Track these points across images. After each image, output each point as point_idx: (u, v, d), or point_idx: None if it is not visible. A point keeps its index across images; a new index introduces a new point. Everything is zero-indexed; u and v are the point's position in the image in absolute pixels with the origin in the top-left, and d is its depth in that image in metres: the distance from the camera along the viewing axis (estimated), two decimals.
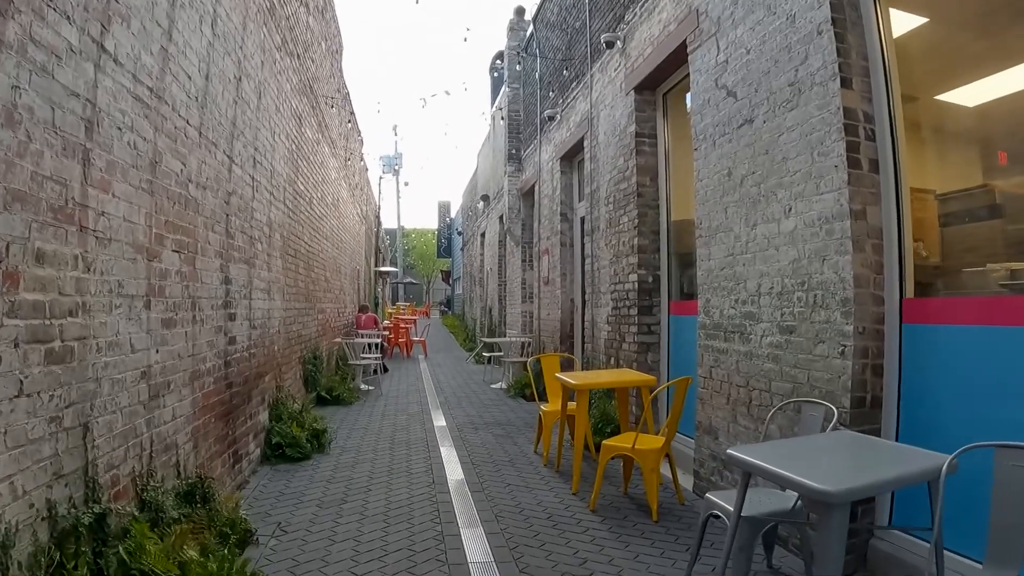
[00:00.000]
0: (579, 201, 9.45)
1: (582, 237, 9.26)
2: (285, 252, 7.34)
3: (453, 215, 34.55)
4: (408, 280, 46.27)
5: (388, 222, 63.49)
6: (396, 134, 58.38)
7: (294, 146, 7.84)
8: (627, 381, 5.65)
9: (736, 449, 2.82)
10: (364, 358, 11.40)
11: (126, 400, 3.25)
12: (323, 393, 9.29)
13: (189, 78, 4.13)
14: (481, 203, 18.22)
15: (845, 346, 3.52)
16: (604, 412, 6.51)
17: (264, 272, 6.27)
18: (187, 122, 4.12)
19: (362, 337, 12.45)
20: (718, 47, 4.90)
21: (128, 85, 3.25)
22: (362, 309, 13.84)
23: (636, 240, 6.62)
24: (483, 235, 18.64)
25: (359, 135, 15.98)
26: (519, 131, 12.78)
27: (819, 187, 3.74)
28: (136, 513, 3.19)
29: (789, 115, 4.03)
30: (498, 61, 18.90)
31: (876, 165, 3.59)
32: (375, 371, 11.37)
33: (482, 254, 19.01)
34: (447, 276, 40.89)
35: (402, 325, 17.87)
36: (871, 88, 3.65)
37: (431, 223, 51.27)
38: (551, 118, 9.87)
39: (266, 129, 6.33)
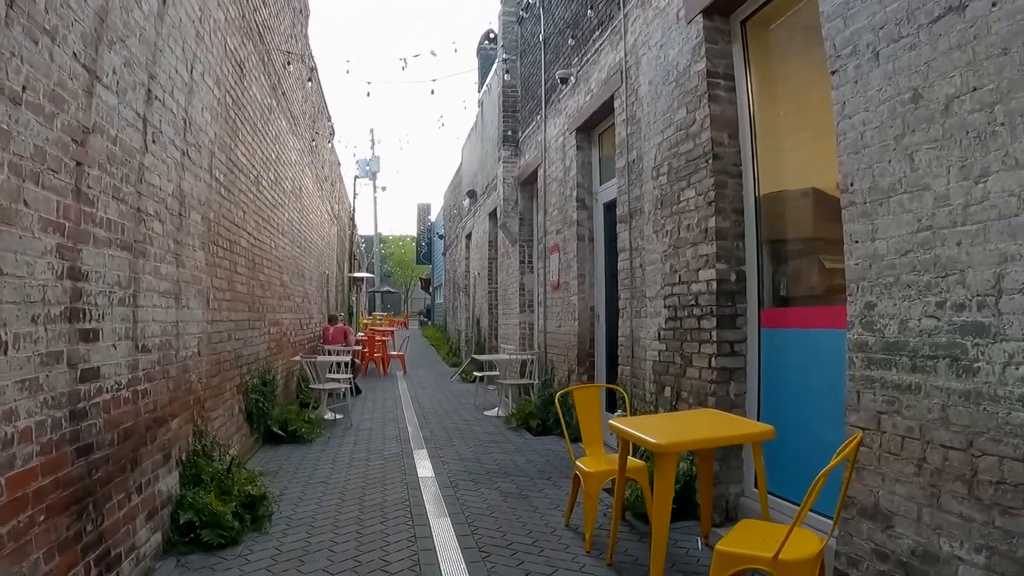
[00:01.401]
0: (601, 183, 7.51)
1: (610, 227, 7.31)
2: (212, 242, 5.28)
3: (434, 218, 32.46)
4: (385, 289, 43.96)
5: (364, 228, 61.07)
6: (372, 136, 56.35)
7: (231, 101, 5.80)
8: (740, 435, 3.67)
9: None
10: (330, 379, 9.33)
11: None
12: (275, 429, 7.21)
13: None
14: (467, 200, 16.24)
15: None
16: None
17: (167, 267, 4.21)
18: None
19: (328, 354, 10.36)
20: None
21: None
22: (331, 320, 11.76)
23: (712, 221, 4.68)
24: (469, 236, 16.65)
25: (329, 120, 13.93)
26: (516, 109, 10.83)
27: None
28: None
29: None
30: (487, 42, 16.99)
31: None
32: (345, 394, 9.29)
33: (467, 258, 17.00)
34: (427, 284, 38.67)
35: (378, 338, 15.78)
36: None
37: (410, 230, 49.10)
38: (564, 80, 7.92)
39: (175, 55, 4.29)
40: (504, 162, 10.61)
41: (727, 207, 4.73)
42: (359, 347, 12.48)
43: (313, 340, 11.60)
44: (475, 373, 10.61)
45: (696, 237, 4.88)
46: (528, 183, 10.33)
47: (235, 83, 5.95)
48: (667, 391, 5.27)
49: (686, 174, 5.06)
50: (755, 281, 4.70)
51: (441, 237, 24.69)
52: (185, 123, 4.58)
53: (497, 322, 12.96)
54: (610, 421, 3.73)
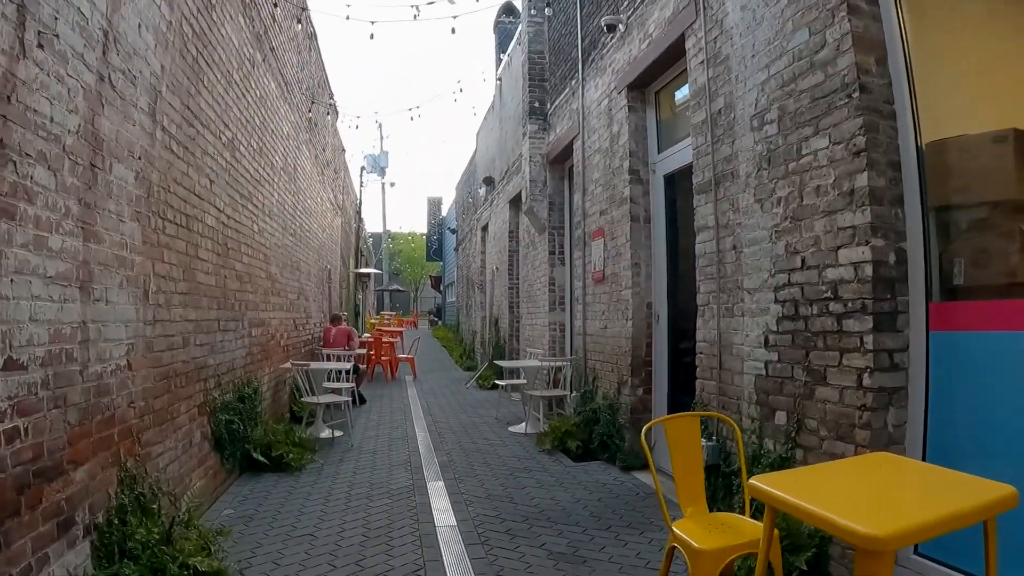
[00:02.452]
0: (660, 151, 6.07)
1: (671, 204, 5.88)
2: (156, 213, 3.88)
3: (445, 212, 31.03)
4: (394, 287, 42.59)
5: (372, 225, 59.86)
6: (381, 130, 55.17)
7: (192, 33, 4.39)
8: (978, 506, 2.20)
9: None
10: (329, 389, 7.93)
11: None
12: (257, 455, 5.81)
13: None
14: (482, 189, 14.81)
15: None
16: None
17: (65, 240, 2.80)
18: None
19: (327, 359, 8.95)
20: None
21: None
22: (333, 320, 10.35)
23: (862, 179, 3.25)
24: (485, 228, 15.21)
25: (332, 99, 12.53)
26: (543, 78, 9.39)
27: None
28: None
29: None
30: (504, 16, 15.58)
31: None
32: (346, 406, 7.88)
33: (483, 252, 15.57)
34: (437, 282, 37.23)
35: (385, 339, 14.37)
36: None
37: (420, 227, 47.75)
38: (611, 28, 6.48)
39: None
40: (530, 138, 9.16)
41: (880, 159, 3.28)
42: (364, 350, 11.08)
43: (311, 343, 10.21)
44: (497, 381, 9.16)
45: (833, 203, 3.43)
46: (559, 161, 8.88)
47: (199, 10, 4.54)
48: (780, 418, 3.83)
49: (811, 118, 3.61)
50: (921, 264, 3.26)
51: (453, 231, 23.25)
52: (106, 36, 3.17)
53: (519, 322, 11.52)
54: (751, 482, 2.30)
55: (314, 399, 7.22)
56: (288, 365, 7.55)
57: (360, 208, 23.72)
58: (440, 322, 33.91)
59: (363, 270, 18.10)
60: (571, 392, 7.47)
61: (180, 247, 4.28)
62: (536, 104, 9.30)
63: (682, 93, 5.94)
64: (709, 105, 4.69)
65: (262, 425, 6.20)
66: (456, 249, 23.08)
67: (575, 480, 5.70)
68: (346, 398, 7.79)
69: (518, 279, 11.64)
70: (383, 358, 13.54)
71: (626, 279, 6.12)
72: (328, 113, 11.60)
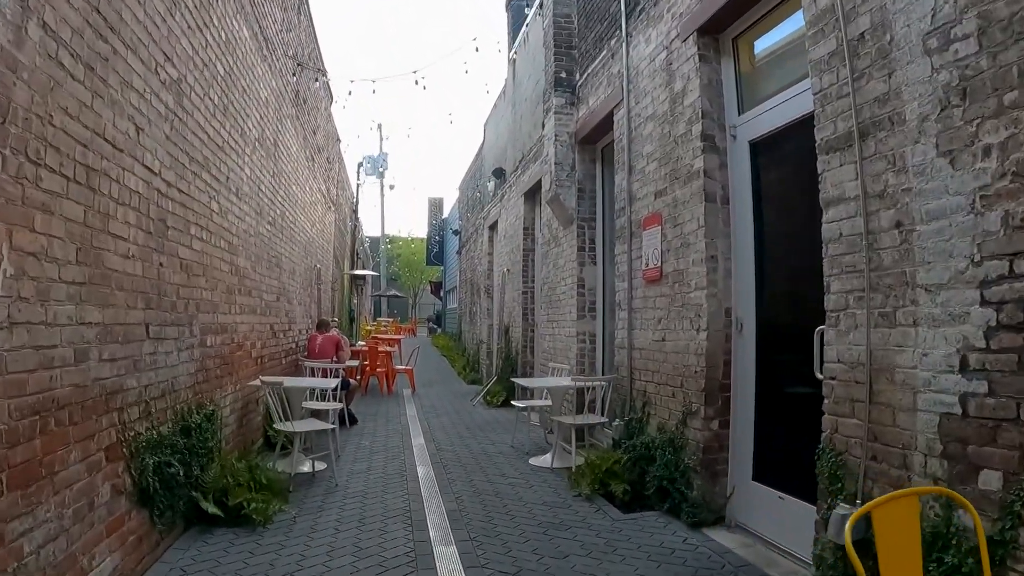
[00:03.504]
0: (743, 111, 4.67)
1: (770, 173, 4.48)
2: (27, 153, 2.45)
3: (447, 213, 29.56)
4: (392, 292, 41.02)
5: (371, 230, 58.52)
6: (381, 132, 53.99)
7: None
8: None
9: None
10: (308, 412, 6.49)
11: None
12: (207, 505, 4.37)
13: None
14: (491, 183, 13.40)
15: None
16: None
17: None
18: None
19: (311, 373, 7.51)
20: None
21: None
22: (320, 327, 8.88)
23: None
24: (493, 227, 13.79)
25: (324, 74, 11.12)
26: (571, 45, 7.99)
27: None
28: None
29: None
30: None
31: None
32: (332, 432, 6.42)
33: (491, 253, 14.14)
34: (437, 288, 35.69)
35: (382, 348, 12.91)
36: None
37: (419, 232, 46.31)
38: None
39: None
40: (555, 113, 7.75)
41: None
42: (356, 361, 9.64)
43: (295, 352, 8.77)
44: (514, 403, 7.71)
45: None
46: (591, 140, 7.48)
47: None
48: (990, 480, 2.42)
49: None
50: None
51: (456, 233, 21.81)
52: None
53: (534, 331, 10.10)
54: None
55: (288, 427, 5.77)
56: (257, 382, 6.10)
57: (357, 206, 22.33)
58: (440, 330, 32.41)
59: (359, 272, 16.64)
60: (611, 420, 6.05)
61: (73, 213, 2.86)
62: (563, 75, 7.90)
63: (774, 37, 4.56)
64: (844, 29, 3.28)
65: (219, 462, 4.75)
66: (459, 252, 21.64)
67: (631, 542, 4.26)
68: (331, 424, 6.33)
69: (533, 282, 10.22)
70: (379, 369, 12.08)
71: (697, 277, 4.70)
72: (317, 81, 10.18)
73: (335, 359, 8.30)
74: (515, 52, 11.83)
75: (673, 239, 5.06)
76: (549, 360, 8.33)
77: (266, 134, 6.87)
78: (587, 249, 7.43)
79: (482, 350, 14.51)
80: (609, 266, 7.30)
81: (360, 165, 22.47)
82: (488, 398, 10.76)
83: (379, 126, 64.33)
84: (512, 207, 11.23)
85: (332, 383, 6.58)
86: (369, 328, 22.30)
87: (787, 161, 4.29)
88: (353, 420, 8.69)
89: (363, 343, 13.43)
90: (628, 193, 5.92)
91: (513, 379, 8.62)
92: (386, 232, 48.18)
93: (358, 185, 22.32)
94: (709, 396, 4.55)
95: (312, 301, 11.28)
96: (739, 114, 4.69)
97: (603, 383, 6.17)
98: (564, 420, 6.18)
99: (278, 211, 7.72)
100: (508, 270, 11.30)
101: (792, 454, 3.88)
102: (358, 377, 12.35)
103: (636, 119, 5.87)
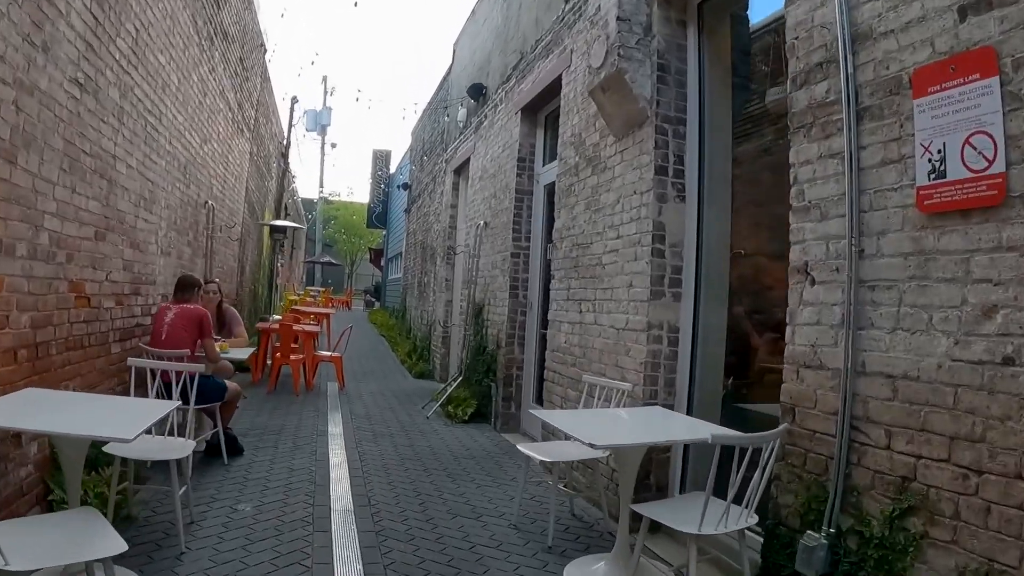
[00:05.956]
0: None
1: None
2: None
3: (394, 168, 25.66)
4: (327, 259, 36.83)
5: (308, 191, 53.89)
6: (325, 83, 49.49)
7: None
8: None
9: None
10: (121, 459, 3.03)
11: None
12: None
13: None
14: (462, 111, 9.92)
15: None
16: None
17: None
18: None
19: (153, 379, 3.98)
20: None
21: None
22: (181, 289, 5.20)
23: None
24: (460, 170, 10.32)
25: None
26: None
27: None
28: None
29: None
30: None
31: None
32: (183, 488, 2.97)
33: (454, 204, 10.65)
34: (378, 256, 31.64)
35: (300, 327, 9.32)
36: None
37: (362, 198, 42.03)
38: None
39: None
40: None
41: None
42: (246, 350, 6.08)
43: (130, 332, 5.23)
44: (523, 449, 4.28)
45: None
46: None
47: None
48: None
49: None
50: None
51: (405, 187, 18.14)
52: None
53: (531, 315, 6.78)
54: None
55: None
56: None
57: (287, 151, 18.43)
58: (377, 303, 28.66)
59: (278, 223, 12.86)
60: (766, 519, 2.78)
61: None
62: None
63: None
64: None
65: None
66: (407, 210, 18.01)
67: None
68: (179, 485, 2.90)
69: (529, 240, 6.89)
70: (294, 358, 8.51)
71: None
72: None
73: (198, 348, 4.80)
74: None
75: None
76: (573, 365, 5.01)
77: None
78: (670, 173, 4.13)
79: (435, 334, 11.08)
80: (710, 205, 4.05)
81: (294, 101, 18.47)
82: (450, 408, 7.41)
83: (324, 77, 59.48)
84: (498, 133, 7.81)
85: (171, 406, 3.16)
86: (294, 298, 18.50)
87: None
88: (235, 449, 5.21)
89: (278, 318, 9.83)
90: (847, 23, 2.61)
91: (533, 411, 5.15)
92: (325, 193, 43.83)
93: (291, 126, 18.42)
94: None
95: (199, 254, 7.67)
96: None
97: (768, 441, 2.81)
98: (676, 525, 2.83)
99: (108, 74, 4.16)
100: (486, 223, 7.89)
101: None
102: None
103: None
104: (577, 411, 4.18)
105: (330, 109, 47.07)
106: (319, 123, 46.91)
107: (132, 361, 3.88)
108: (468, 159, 9.43)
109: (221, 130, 8.47)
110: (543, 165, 6.87)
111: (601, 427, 3.34)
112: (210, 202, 7.84)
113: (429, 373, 10.86)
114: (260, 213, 14.19)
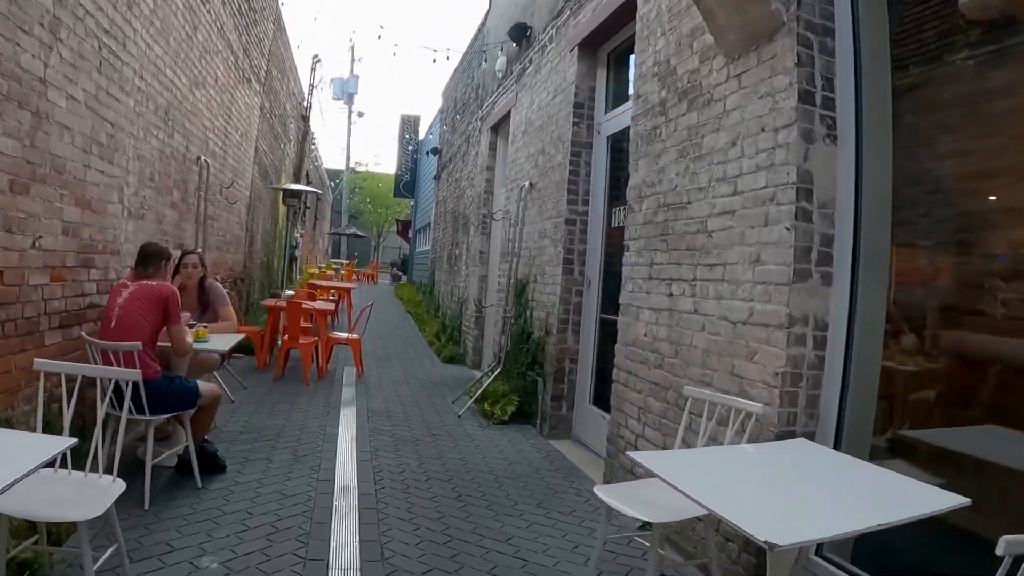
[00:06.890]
0: None
1: None
2: None
3: (423, 135, 24.31)
4: (352, 231, 35.72)
5: (333, 162, 52.79)
6: (352, 51, 48.11)
7: None
8: None
9: None
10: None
11: None
12: None
13: None
14: (500, 58, 8.58)
15: None
16: None
17: None
18: None
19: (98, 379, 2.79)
20: None
21: None
22: (143, 259, 4.02)
23: None
24: (498, 127, 9.01)
25: None
26: None
27: None
28: None
29: None
30: None
31: None
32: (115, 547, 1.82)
33: (491, 167, 9.35)
34: (405, 228, 30.30)
35: (312, 304, 8.17)
36: None
37: (390, 168, 40.73)
38: None
39: None
40: None
41: None
42: (238, 336, 4.86)
43: (90, 318, 4.08)
44: (602, 495, 3.02)
45: None
46: None
47: None
48: None
49: None
50: None
51: (435, 152, 16.85)
52: None
53: (588, 296, 5.51)
54: None
55: None
56: None
57: (308, 112, 17.23)
58: (404, 277, 27.53)
59: (292, 186, 11.64)
60: None
61: None
62: None
63: None
64: None
65: None
66: (436, 177, 16.73)
67: None
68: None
69: (587, 203, 5.59)
70: (304, 340, 7.34)
71: None
72: None
73: (151, 338, 3.62)
74: None
75: None
76: (659, 367, 3.73)
77: None
78: (818, 102, 2.79)
79: (467, 314, 9.86)
80: (870, 152, 2.73)
81: (315, 60, 17.20)
82: (486, 406, 6.20)
83: (350, 40, 57.90)
84: (547, 77, 6.47)
85: (52, 448, 1.97)
86: (313, 271, 17.38)
87: None
88: (215, 465, 4.04)
89: (290, 292, 8.69)
90: None
91: (631, 453, 3.78)
92: (352, 165, 42.64)
93: (312, 86, 17.18)
94: None
95: (188, 219, 6.51)
96: None
97: None
98: None
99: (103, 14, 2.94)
100: (531, 184, 6.60)
101: None
102: (278, 345, 7.68)
103: None
104: (690, 451, 2.90)
105: (357, 77, 45.72)
106: (346, 91, 45.60)
107: (40, 364, 2.68)
108: (508, 113, 8.09)
109: (220, 75, 7.25)
110: (605, 112, 5.54)
111: (755, 488, 2.06)
112: (204, 158, 6.64)
113: (460, 357, 9.66)
114: (275, 179, 13.03)
